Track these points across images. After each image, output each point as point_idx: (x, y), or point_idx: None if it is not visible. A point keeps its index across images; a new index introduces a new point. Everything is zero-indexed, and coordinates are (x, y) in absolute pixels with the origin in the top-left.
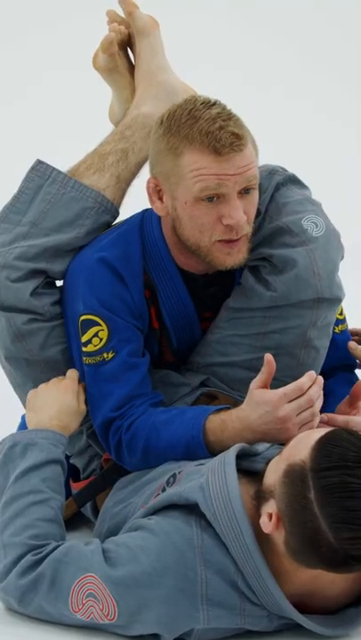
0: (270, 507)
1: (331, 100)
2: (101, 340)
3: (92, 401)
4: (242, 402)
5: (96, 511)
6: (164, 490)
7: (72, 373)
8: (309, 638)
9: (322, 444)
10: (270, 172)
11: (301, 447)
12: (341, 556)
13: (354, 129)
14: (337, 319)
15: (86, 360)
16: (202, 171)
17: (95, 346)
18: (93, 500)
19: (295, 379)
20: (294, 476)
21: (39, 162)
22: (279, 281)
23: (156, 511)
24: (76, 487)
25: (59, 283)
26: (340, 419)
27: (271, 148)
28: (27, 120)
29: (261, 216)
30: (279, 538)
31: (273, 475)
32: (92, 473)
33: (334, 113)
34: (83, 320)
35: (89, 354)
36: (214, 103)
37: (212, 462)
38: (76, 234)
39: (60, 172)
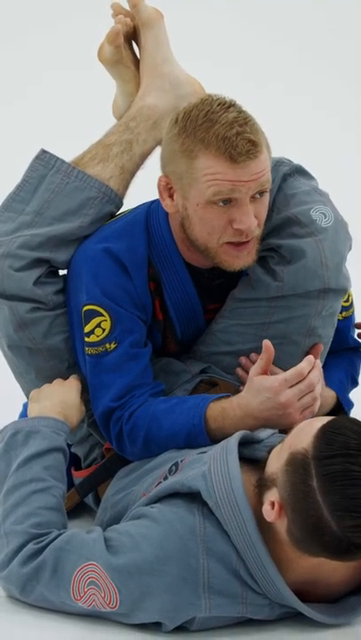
0: (273, 495)
1: (330, 96)
2: (104, 330)
3: (93, 391)
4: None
5: (98, 499)
6: (165, 478)
7: (75, 376)
8: (311, 627)
9: (324, 432)
10: (276, 163)
11: (303, 436)
12: (344, 544)
13: (353, 125)
14: (342, 306)
15: (89, 350)
16: (216, 176)
17: (98, 336)
18: (95, 489)
19: None
20: (297, 464)
21: (43, 151)
22: (287, 271)
23: (158, 499)
24: (78, 475)
25: (61, 272)
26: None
27: (270, 144)
28: (26, 120)
29: (269, 207)
30: (281, 526)
31: (275, 463)
32: (94, 462)
33: (333, 109)
34: (86, 310)
35: (92, 344)
36: (231, 105)
37: (213, 450)
38: (80, 223)
39: (63, 161)
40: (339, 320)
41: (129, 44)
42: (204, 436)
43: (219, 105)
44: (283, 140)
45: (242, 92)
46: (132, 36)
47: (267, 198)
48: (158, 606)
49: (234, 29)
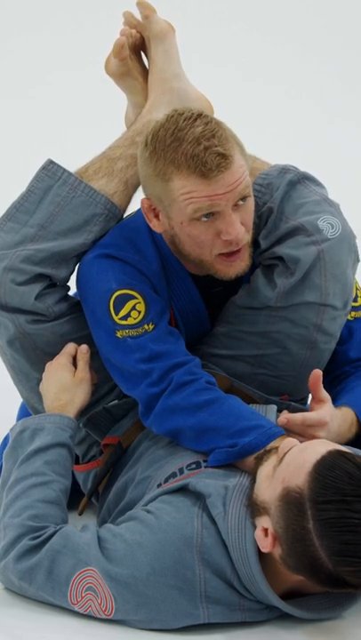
0: (265, 522)
1: (332, 98)
2: (140, 312)
3: (150, 362)
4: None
5: (97, 493)
6: (181, 472)
7: (68, 348)
8: (310, 624)
9: (318, 471)
10: (281, 170)
11: (297, 471)
12: (340, 582)
13: (356, 128)
14: (353, 306)
15: (129, 332)
16: (192, 194)
17: (135, 319)
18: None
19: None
20: (291, 503)
21: (50, 162)
22: (288, 282)
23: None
24: (77, 470)
25: None
26: (297, 418)
27: (272, 147)
28: (31, 119)
29: (275, 215)
30: (276, 553)
31: (267, 490)
32: (92, 458)
33: (336, 112)
34: (117, 296)
35: (131, 326)
36: (197, 117)
37: (238, 482)
38: (84, 240)
39: (70, 173)
40: (350, 320)
41: (137, 55)
42: (247, 454)
43: (185, 120)
44: (284, 143)
45: (243, 95)
46: (141, 46)
47: (251, 203)
48: (155, 616)
49: (235, 31)
